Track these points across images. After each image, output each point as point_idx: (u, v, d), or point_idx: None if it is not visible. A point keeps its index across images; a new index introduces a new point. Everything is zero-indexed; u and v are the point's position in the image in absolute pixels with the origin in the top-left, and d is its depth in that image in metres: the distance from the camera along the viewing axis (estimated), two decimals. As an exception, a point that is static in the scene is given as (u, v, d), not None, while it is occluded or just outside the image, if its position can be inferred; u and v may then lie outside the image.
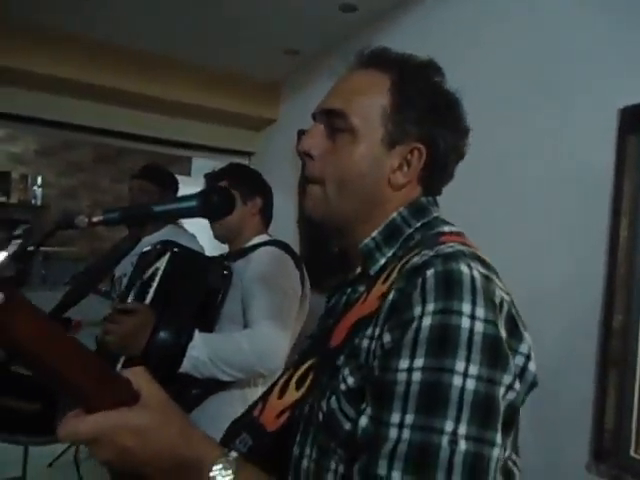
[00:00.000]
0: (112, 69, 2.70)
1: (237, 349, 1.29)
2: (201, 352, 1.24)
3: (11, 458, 2.43)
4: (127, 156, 5.88)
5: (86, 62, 2.64)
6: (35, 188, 5.25)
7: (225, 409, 1.33)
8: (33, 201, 5.22)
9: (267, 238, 1.57)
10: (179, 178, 2.43)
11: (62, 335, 0.44)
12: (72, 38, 2.58)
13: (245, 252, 1.50)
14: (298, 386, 0.66)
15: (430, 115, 0.67)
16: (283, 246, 1.53)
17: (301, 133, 2.59)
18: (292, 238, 2.59)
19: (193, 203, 0.71)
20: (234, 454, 0.53)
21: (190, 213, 0.72)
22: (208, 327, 1.35)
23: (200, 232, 2.15)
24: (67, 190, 5.62)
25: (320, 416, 0.58)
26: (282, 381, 0.70)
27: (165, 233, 2.07)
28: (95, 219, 0.65)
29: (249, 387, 1.42)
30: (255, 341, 1.31)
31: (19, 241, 0.43)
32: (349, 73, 0.72)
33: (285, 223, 2.59)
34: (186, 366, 1.24)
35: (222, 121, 3.21)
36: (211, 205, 0.73)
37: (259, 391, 1.44)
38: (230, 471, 0.51)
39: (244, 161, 3.32)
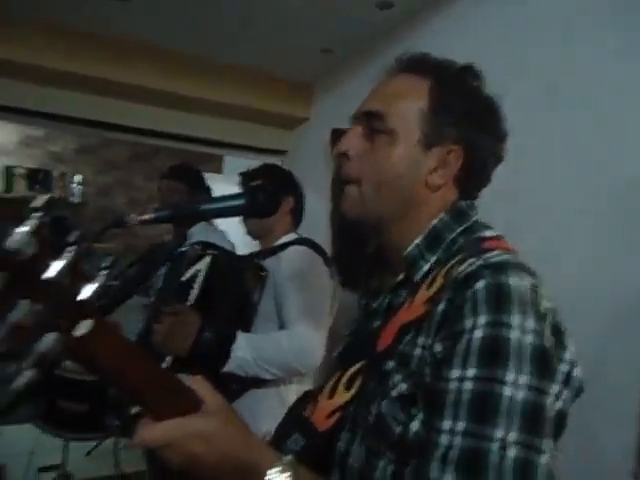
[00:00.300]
0: (147, 69, 2.76)
1: (277, 348, 1.33)
2: (245, 352, 1.28)
3: (51, 446, 2.52)
4: (161, 155, 6.00)
5: (123, 62, 2.70)
6: (74, 186, 5.41)
7: (260, 405, 1.37)
8: (72, 198, 5.39)
9: (295, 237, 1.61)
10: (211, 176, 2.47)
11: (137, 353, 0.49)
12: (106, 38, 2.64)
13: (275, 251, 1.54)
14: (347, 387, 0.68)
15: (467, 118, 0.69)
16: (311, 244, 1.56)
17: (334, 132, 2.58)
18: (324, 237, 2.59)
19: (242, 202, 0.72)
20: (289, 458, 0.56)
21: (238, 211, 0.73)
22: (246, 327, 1.38)
23: (229, 228, 2.17)
24: (104, 187, 5.78)
25: (369, 419, 0.61)
26: (332, 382, 0.72)
27: (197, 230, 2.11)
28: (146, 217, 0.67)
29: (284, 384, 1.45)
30: (293, 340, 1.34)
31: (106, 272, 0.47)
32: (388, 77, 0.74)
33: (317, 221, 2.60)
34: (231, 366, 1.27)
35: (255, 120, 3.24)
36: (258, 204, 0.74)
37: (293, 388, 1.46)
38: (287, 474, 0.54)
39: (277, 160, 3.34)
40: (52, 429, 1.91)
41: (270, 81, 3.02)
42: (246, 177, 1.61)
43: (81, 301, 0.44)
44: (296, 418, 0.75)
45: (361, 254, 0.81)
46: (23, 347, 0.40)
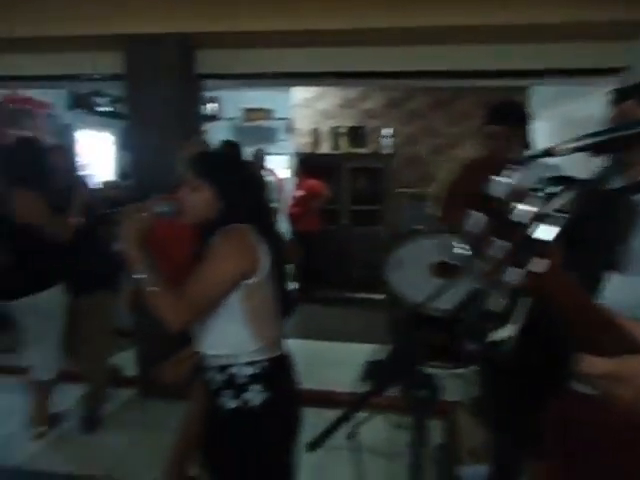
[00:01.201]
0: (446, 8, 2.64)
1: None
2: (619, 295, 1.10)
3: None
4: (460, 99, 5.95)
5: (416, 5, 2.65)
6: (385, 138, 5.88)
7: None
8: (384, 150, 5.88)
9: None
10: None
11: (584, 294, 0.56)
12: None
13: None
14: None
15: None
16: None
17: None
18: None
19: None
20: None
21: None
22: (616, 268, 1.18)
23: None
24: (409, 137, 6.11)
25: None
26: None
27: (531, 168, 1.94)
28: (571, 146, 0.64)
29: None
30: None
31: (563, 215, 0.52)
32: None
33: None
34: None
35: (575, 37, 2.76)
36: None
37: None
38: None
39: (603, 82, 2.78)
40: (424, 362, 2.31)
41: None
42: (620, 94, 1.34)
43: (541, 242, 0.50)
44: None
45: None
46: (496, 278, 0.50)
